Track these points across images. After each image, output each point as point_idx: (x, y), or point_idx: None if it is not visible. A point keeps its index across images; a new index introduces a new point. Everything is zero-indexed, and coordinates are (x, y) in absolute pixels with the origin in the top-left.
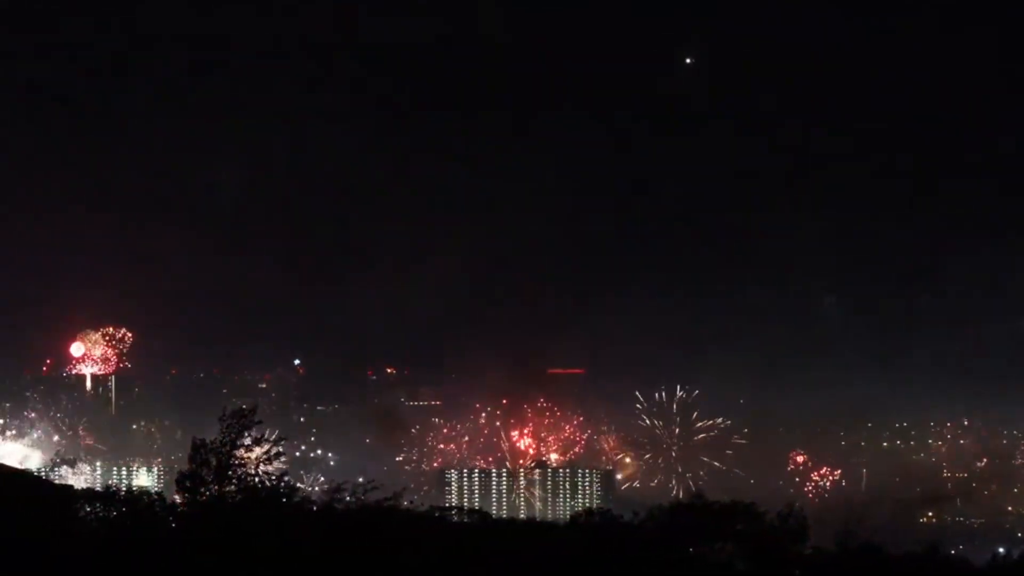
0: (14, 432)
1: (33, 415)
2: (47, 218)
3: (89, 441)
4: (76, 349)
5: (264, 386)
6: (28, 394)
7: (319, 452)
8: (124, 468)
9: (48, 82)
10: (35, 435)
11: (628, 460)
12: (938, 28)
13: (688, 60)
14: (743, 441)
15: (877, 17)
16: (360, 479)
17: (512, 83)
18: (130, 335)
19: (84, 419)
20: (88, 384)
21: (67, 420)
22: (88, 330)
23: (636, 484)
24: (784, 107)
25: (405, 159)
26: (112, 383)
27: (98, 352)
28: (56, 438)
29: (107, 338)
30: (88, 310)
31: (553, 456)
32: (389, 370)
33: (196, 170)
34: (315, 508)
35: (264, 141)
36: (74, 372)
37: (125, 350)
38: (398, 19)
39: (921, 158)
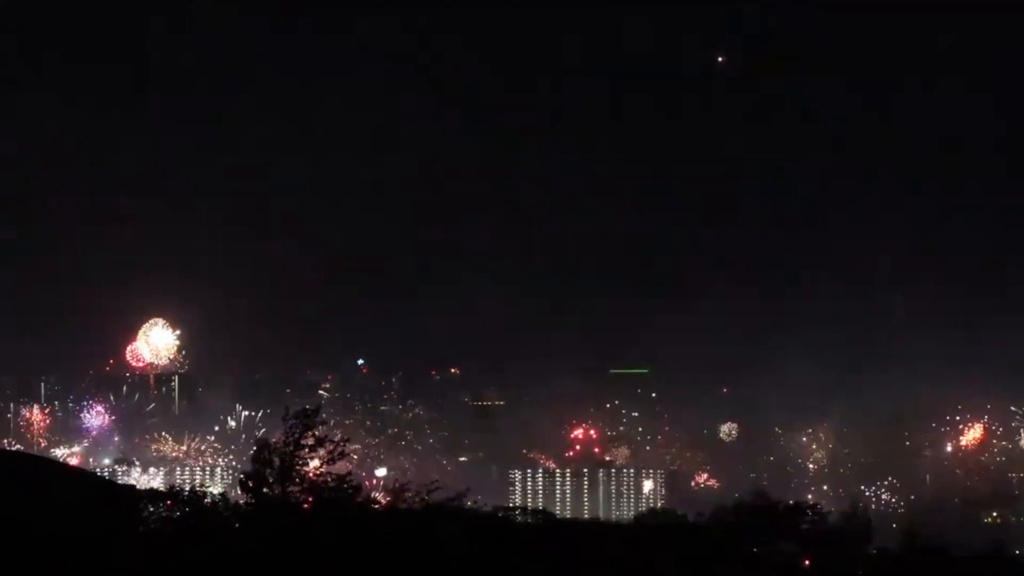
0: (78, 432)
1: (95, 414)
2: (113, 217)
3: (152, 441)
4: (140, 349)
5: (328, 386)
6: (91, 393)
7: (383, 452)
8: (187, 468)
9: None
10: (98, 435)
11: (693, 459)
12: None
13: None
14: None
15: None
16: (423, 479)
17: (577, 88)
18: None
19: (147, 419)
20: (151, 383)
21: (130, 420)
22: (151, 323)
23: (701, 484)
24: (854, 104)
25: (473, 162)
26: (176, 383)
27: (160, 344)
28: (119, 438)
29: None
30: (151, 309)
31: (618, 455)
32: (453, 370)
33: (263, 170)
34: (378, 508)
35: (333, 142)
36: (137, 372)
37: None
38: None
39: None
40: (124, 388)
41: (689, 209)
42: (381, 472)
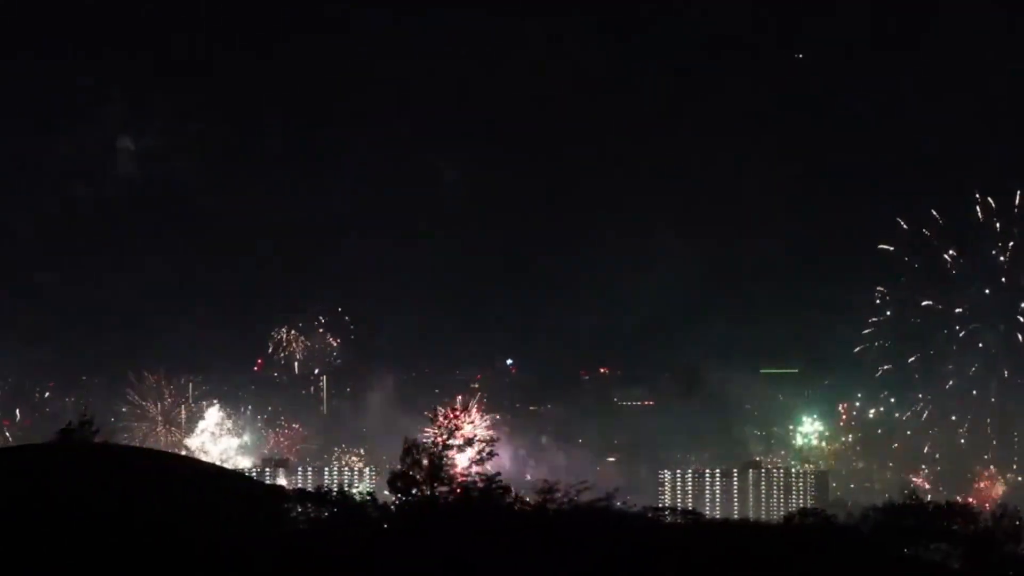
0: (227, 432)
1: (244, 414)
2: (266, 217)
3: (301, 441)
4: (289, 349)
5: (476, 386)
6: (240, 393)
7: (532, 452)
8: (336, 468)
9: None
10: (247, 435)
11: (845, 459)
12: None
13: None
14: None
15: None
16: (573, 479)
17: (721, 80)
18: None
19: (296, 419)
20: (299, 384)
21: (279, 420)
22: (300, 323)
23: (854, 484)
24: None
25: (623, 157)
26: (324, 383)
27: (309, 344)
28: (267, 438)
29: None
30: (302, 308)
31: (768, 455)
32: (602, 370)
33: (416, 170)
34: (528, 508)
35: (486, 140)
36: (286, 372)
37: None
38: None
39: None
40: (274, 388)
41: (842, 206)
42: (530, 472)
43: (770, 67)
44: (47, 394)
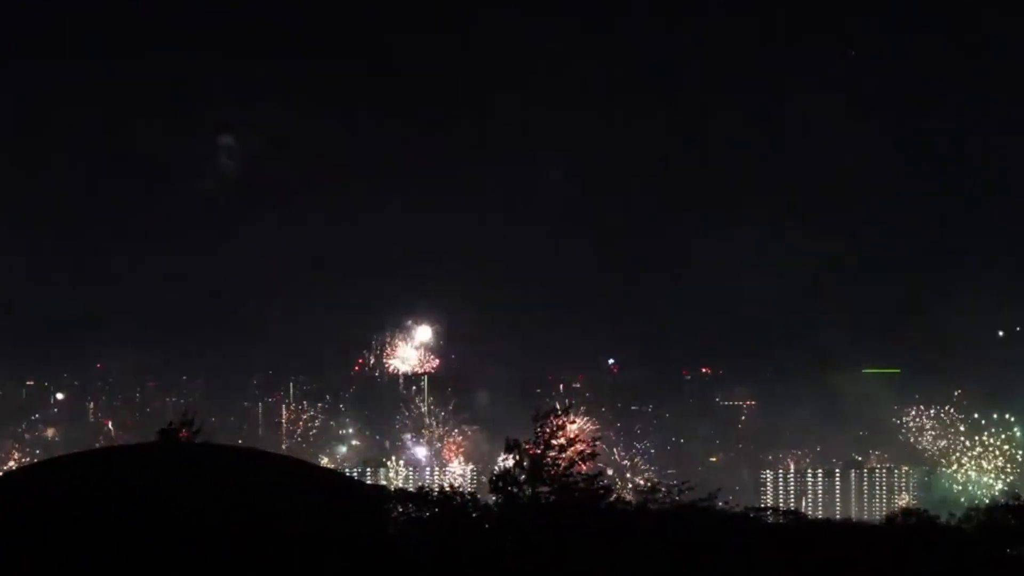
0: (326, 432)
1: (344, 414)
2: (362, 218)
3: (400, 441)
4: (391, 349)
5: (578, 386)
6: (340, 393)
7: (634, 452)
8: (446, 468)
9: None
10: (346, 435)
11: (949, 458)
12: None
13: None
14: None
15: None
16: (675, 479)
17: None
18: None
19: (396, 420)
20: (401, 384)
21: (379, 420)
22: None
23: (958, 484)
24: None
25: (729, 153)
26: (424, 383)
27: (410, 344)
28: (367, 438)
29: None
30: (404, 309)
31: (871, 454)
32: (704, 370)
33: (517, 169)
34: (630, 508)
35: (581, 138)
36: (387, 372)
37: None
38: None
39: None
40: (373, 389)
41: (951, 207)
42: (632, 472)
43: (886, 65)
44: (151, 383)
